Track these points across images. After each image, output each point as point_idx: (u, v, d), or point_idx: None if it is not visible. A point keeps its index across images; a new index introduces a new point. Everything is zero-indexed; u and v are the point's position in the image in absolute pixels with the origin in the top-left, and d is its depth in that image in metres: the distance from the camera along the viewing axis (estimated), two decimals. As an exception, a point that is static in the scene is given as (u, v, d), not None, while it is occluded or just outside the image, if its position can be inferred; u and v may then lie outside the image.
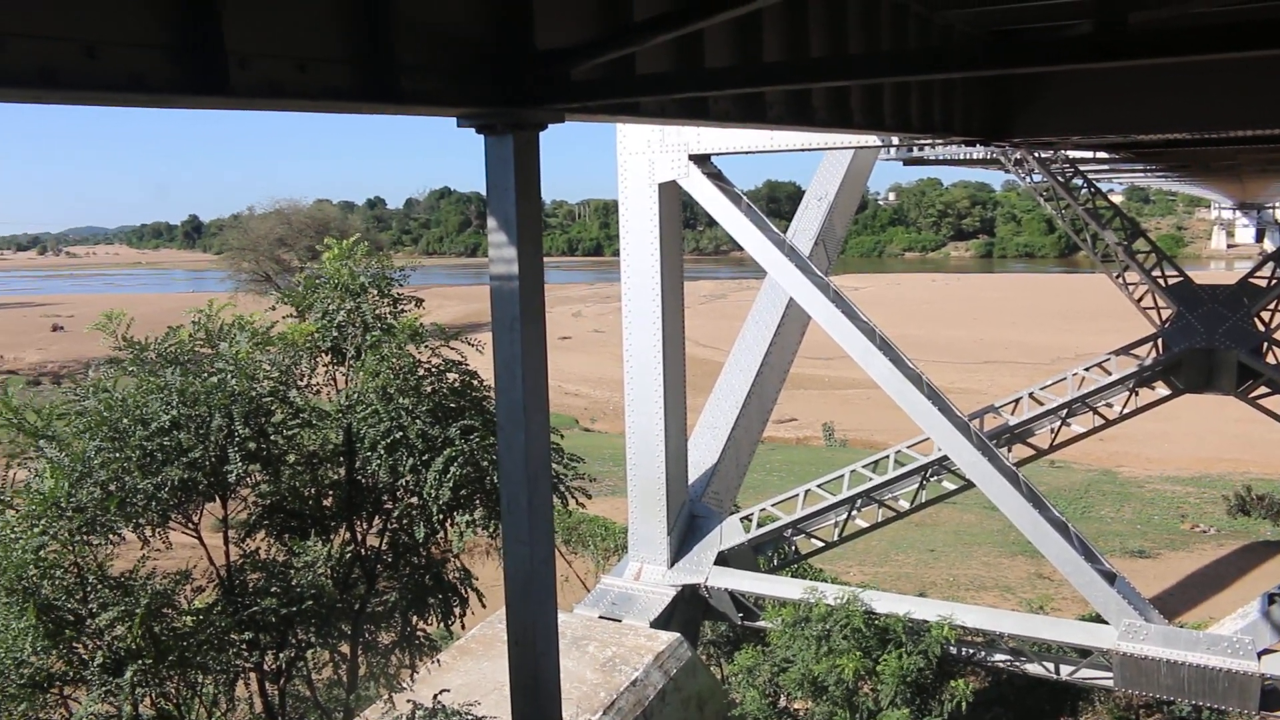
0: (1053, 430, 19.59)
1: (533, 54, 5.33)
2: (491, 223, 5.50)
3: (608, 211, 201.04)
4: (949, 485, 18.70)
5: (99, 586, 8.36)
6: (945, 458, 17.51)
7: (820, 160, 20.18)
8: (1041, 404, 19.52)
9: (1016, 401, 19.78)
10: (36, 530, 7.86)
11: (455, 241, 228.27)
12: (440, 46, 5.01)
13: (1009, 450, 19.16)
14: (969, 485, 17.66)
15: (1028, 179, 23.29)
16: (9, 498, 8.33)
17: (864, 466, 18.96)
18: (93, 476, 8.07)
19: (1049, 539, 15.19)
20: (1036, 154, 21.53)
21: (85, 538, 8.11)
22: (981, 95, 13.35)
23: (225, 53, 3.98)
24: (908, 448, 18.87)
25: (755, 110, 8.06)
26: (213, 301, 9.50)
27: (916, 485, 18.65)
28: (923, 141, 22.79)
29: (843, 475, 18.82)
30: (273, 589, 8.84)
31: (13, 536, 7.85)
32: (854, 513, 18.77)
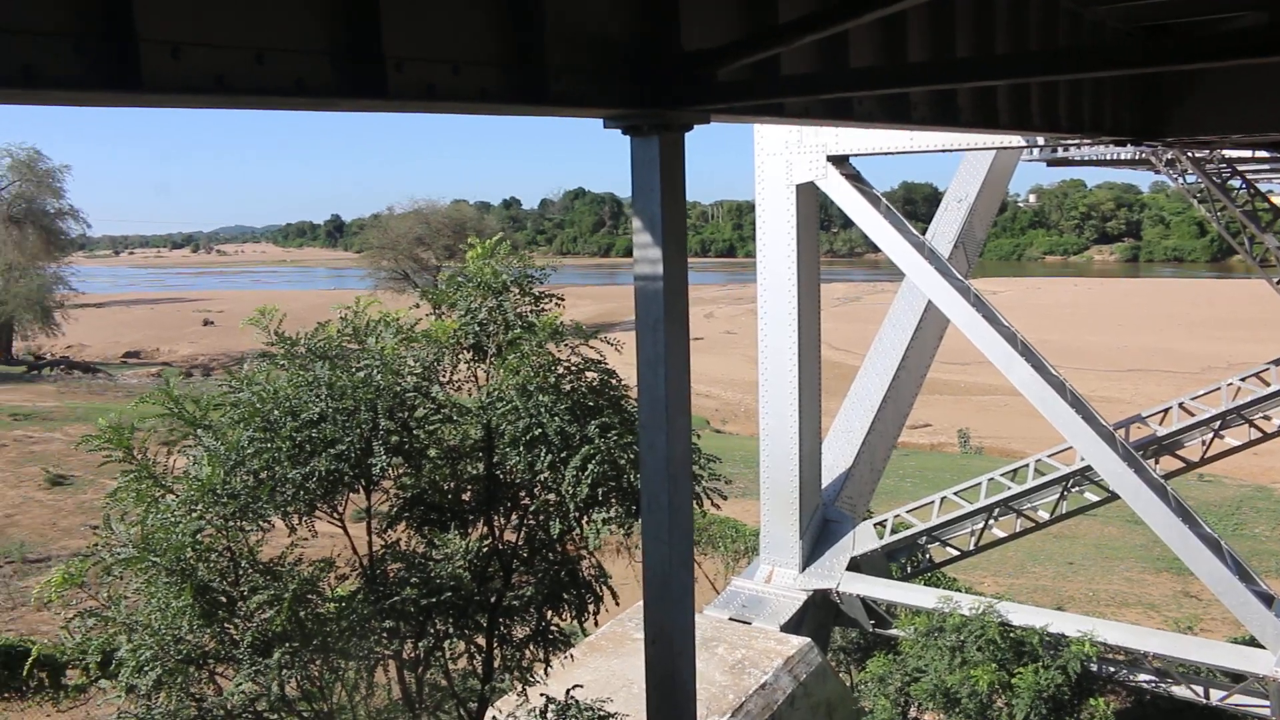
0: (1204, 443, 18.76)
1: (679, 55, 5.35)
2: (636, 224, 5.54)
3: (740, 213, 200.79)
4: (1091, 497, 18.13)
5: (250, 571, 8.71)
6: (1088, 468, 16.97)
7: (960, 161, 19.79)
8: (1192, 415, 18.72)
9: (1165, 411, 19.02)
10: (194, 515, 8.23)
11: (589, 242, 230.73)
12: (588, 48, 5.06)
13: (1156, 462, 18.45)
14: (1113, 497, 17.09)
15: (1180, 180, 22.45)
16: (169, 483, 8.73)
17: (1002, 475, 18.50)
18: (245, 465, 8.40)
19: (1199, 556, 14.57)
20: (1190, 154, 20.70)
21: (238, 524, 8.45)
22: (1133, 92, 12.88)
23: (383, 56, 4.10)
24: (1048, 457, 18.34)
25: (899, 111, 7.94)
26: (360, 298, 9.80)
27: (1057, 496, 18.12)
28: (1069, 142, 22.13)
29: (980, 483, 18.41)
30: (412, 579, 9.06)
31: (173, 520, 8.22)
32: (991, 522, 18.35)
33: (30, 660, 9.92)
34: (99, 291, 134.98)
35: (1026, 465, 18.41)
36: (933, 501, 18.56)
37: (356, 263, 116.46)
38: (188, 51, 3.57)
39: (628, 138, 5.55)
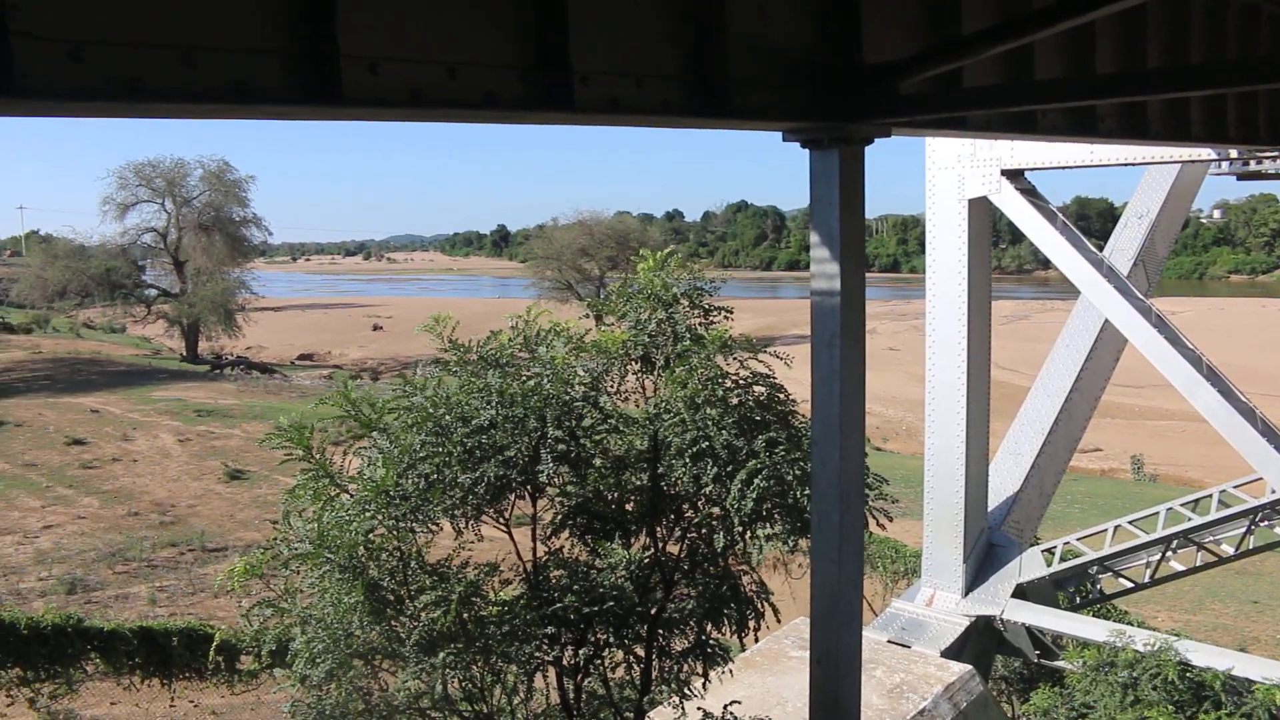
0: None
1: (861, 68, 5.26)
2: (814, 238, 5.47)
3: (905, 227, 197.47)
4: (1283, 532, 17.10)
5: (418, 571, 8.93)
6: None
7: (1142, 175, 18.95)
8: (1399, 447, 17.46)
9: (1368, 444, 17.80)
10: (368, 515, 8.48)
11: (750, 255, 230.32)
12: (769, 61, 5.02)
13: (1357, 498, 17.28)
14: (1309, 533, 16.10)
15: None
16: (344, 483, 9.04)
17: (1183, 505, 17.58)
18: (417, 468, 8.61)
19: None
20: (1406, 167, 19.33)
21: (409, 524, 8.68)
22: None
23: (570, 70, 4.14)
24: (1234, 488, 17.36)
25: (1086, 124, 7.64)
26: (530, 308, 9.97)
27: (1244, 530, 17.12)
28: (1265, 154, 20.95)
29: (1158, 512, 17.54)
30: (574, 587, 9.14)
31: (347, 519, 8.50)
32: (1169, 554, 17.47)
33: (214, 645, 10.39)
34: (277, 296, 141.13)
35: (1210, 496, 17.44)
36: (1106, 530, 17.77)
37: (521, 272, 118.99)
38: (385, 67, 3.68)
39: (806, 151, 5.49)
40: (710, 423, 8.55)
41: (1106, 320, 16.45)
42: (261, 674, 18.23)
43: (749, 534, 8.89)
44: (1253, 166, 24.68)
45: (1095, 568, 17.75)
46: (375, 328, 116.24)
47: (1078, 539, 17.85)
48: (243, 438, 44.22)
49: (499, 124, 4.41)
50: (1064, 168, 15.71)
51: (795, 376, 9.71)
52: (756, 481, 8.33)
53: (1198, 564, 17.64)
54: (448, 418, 8.66)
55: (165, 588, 26.27)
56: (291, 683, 8.83)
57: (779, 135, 5.62)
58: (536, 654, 9.20)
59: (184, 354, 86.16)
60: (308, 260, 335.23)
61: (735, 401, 8.96)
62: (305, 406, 40.68)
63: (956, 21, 5.97)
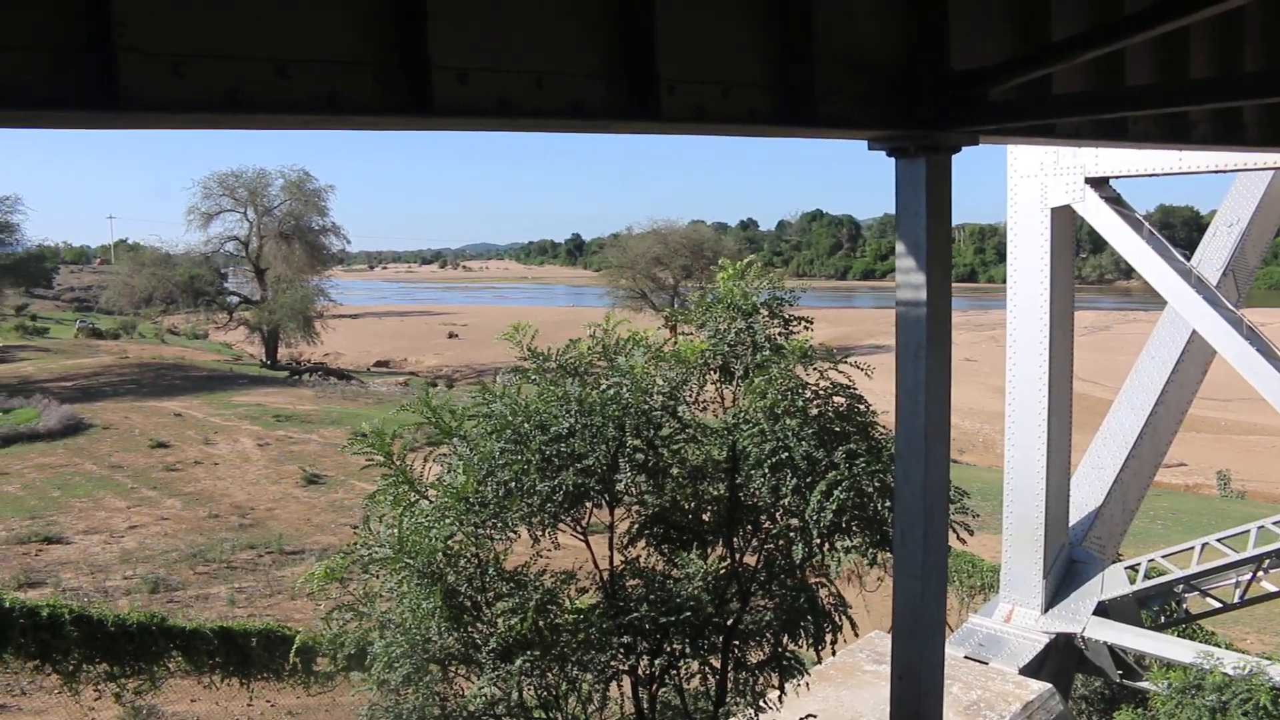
0: None
1: (948, 75, 5.19)
2: (900, 247, 5.40)
3: (983, 236, 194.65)
4: (1383, 553, 16.52)
5: (496, 578, 8.97)
6: (1382, 521, 15.50)
7: (1232, 183, 18.47)
8: None
9: None
10: (447, 521, 8.54)
11: (825, 264, 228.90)
12: (856, 69, 4.98)
13: None
14: None
15: None
16: (424, 489, 9.11)
17: (1275, 523, 17.09)
18: (496, 476, 8.65)
19: None
20: None
21: (487, 531, 8.71)
22: None
23: (657, 79, 4.14)
24: (1330, 505, 16.85)
25: (1178, 130, 7.46)
26: (609, 316, 9.97)
27: (1341, 550, 16.60)
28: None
29: (1248, 530, 17.07)
30: (651, 597, 9.10)
31: (426, 525, 8.56)
32: (1260, 574, 16.97)
33: (295, 647, 10.52)
34: (354, 303, 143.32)
35: (1305, 514, 16.95)
36: (1193, 547, 17.32)
37: (595, 281, 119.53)
38: (474, 77, 3.71)
39: (890, 160, 5.42)
40: (790, 433, 8.47)
41: (1194, 332, 16.07)
42: (337, 676, 18.54)
43: (827, 546, 8.79)
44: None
45: (1181, 586, 17.31)
46: (450, 335, 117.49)
47: (1163, 556, 17.43)
48: (320, 443, 44.92)
49: (586, 133, 4.41)
50: (1150, 175, 15.37)
51: (871, 387, 9.61)
52: (836, 493, 8.24)
53: (1291, 585, 17.13)
54: (526, 426, 8.68)
55: (244, 589, 26.75)
56: (369, 686, 8.91)
57: (862, 144, 5.56)
58: (612, 663, 9.17)
59: (264, 360, 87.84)
60: (385, 268, 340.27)
61: (815, 412, 8.87)
62: (383, 412, 41.21)
63: (1046, 28, 5.86)
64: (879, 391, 10.36)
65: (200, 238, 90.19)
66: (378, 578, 9.14)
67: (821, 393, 8.98)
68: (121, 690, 19.39)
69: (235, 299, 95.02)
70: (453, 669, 9.04)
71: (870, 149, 5.42)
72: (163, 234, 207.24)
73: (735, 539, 9.41)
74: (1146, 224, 15.41)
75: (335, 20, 3.46)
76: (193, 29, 3.17)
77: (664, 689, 9.78)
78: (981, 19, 5.56)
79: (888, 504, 8.31)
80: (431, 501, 8.90)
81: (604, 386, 8.97)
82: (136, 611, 20.56)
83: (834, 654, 10.59)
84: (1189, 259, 16.96)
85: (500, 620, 8.70)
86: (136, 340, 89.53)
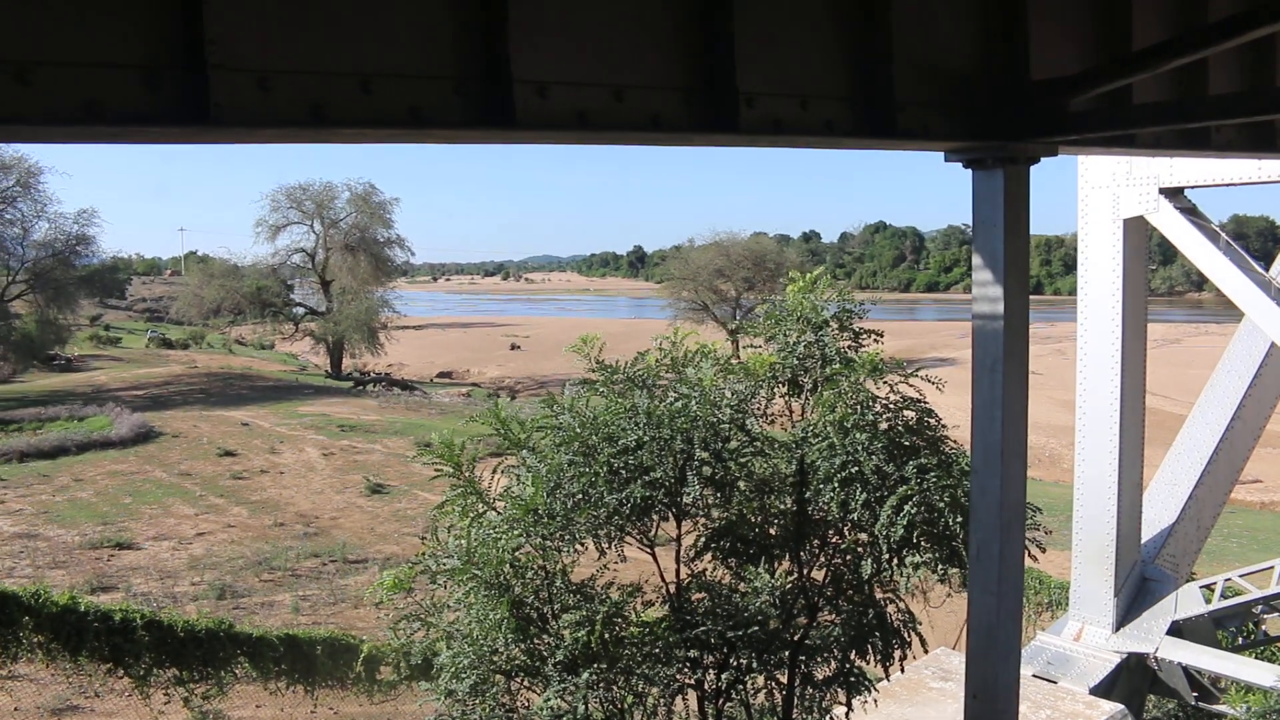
0: None
1: (1027, 85, 5.11)
2: (977, 260, 5.32)
3: (1049, 248, 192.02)
4: None
5: (562, 590, 8.98)
6: None
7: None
8: None
9: None
10: (515, 533, 8.57)
11: (888, 276, 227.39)
12: (933, 80, 4.93)
13: None
14: None
15: None
16: (492, 500, 9.16)
17: (1356, 542, 16.63)
18: (564, 488, 8.66)
19: None
20: None
21: (555, 543, 8.73)
22: None
23: (736, 91, 4.12)
24: None
25: (1264, 138, 7.29)
26: (677, 329, 9.96)
27: None
28: None
29: (1329, 550, 16.64)
30: (717, 610, 9.07)
31: (494, 536, 8.60)
32: (1342, 595, 16.52)
33: (362, 657, 10.62)
34: (418, 315, 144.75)
35: (1387, 533, 16.47)
36: (1272, 567, 16.89)
37: (657, 293, 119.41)
38: (554, 90, 3.72)
39: (968, 172, 5.35)
40: (860, 447, 8.40)
41: (1271, 345, 15.69)
42: (400, 685, 18.68)
43: (896, 561, 8.69)
44: None
45: (1261, 607, 16.88)
46: (513, 347, 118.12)
47: (1240, 575, 17.01)
48: (383, 453, 45.35)
49: (665, 146, 4.41)
50: (1229, 185, 15.03)
51: (940, 400, 9.50)
52: (907, 508, 8.14)
53: (1373, 606, 16.65)
54: (594, 438, 8.69)
55: (308, 596, 27.05)
56: (436, 696, 8.95)
57: (932, 155, 5.51)
58: (678, 676, 9.15)
59: (329, 370, 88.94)
60: (448, 280, 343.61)
61: (884, 426, 8.79)
62: (446, 423, 41.43)
63: (1127, 36, 5.77)
64: (947, 405, 10.25)
65: (268, 250, 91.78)
66: (445, 588, 9.19)
67: (891, 406, 8.90)
68: (190, 695, 19.70)
69: (301, 310, 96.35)
70: (519, 680, 9.06)
71: (947, 160, 5.36)
72: (231, 246, 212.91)
73: (802, 553, 9.34)
74: (1223, 235, 15.08)
75: (417, 35, 3.49)
76: (279, 46, 3.21)
77: (730, 704, 9.73)
78: (1062, 29, 5.48)
79: (959, 519, 8.21)
80: (499, 513, 8.94)
81: (672, 399, 8.96)
82: (204, 617, 20.88)
83: (902, 670, 10.47)
84: (1266, 270, 16.58)
85: (566, 632, 8.70)
86: (205, 350, 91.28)
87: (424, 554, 9.14)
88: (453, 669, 8.71)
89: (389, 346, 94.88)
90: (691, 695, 9.50)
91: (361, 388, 77.06)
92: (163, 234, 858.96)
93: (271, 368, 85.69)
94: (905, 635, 9.25)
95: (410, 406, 64.06)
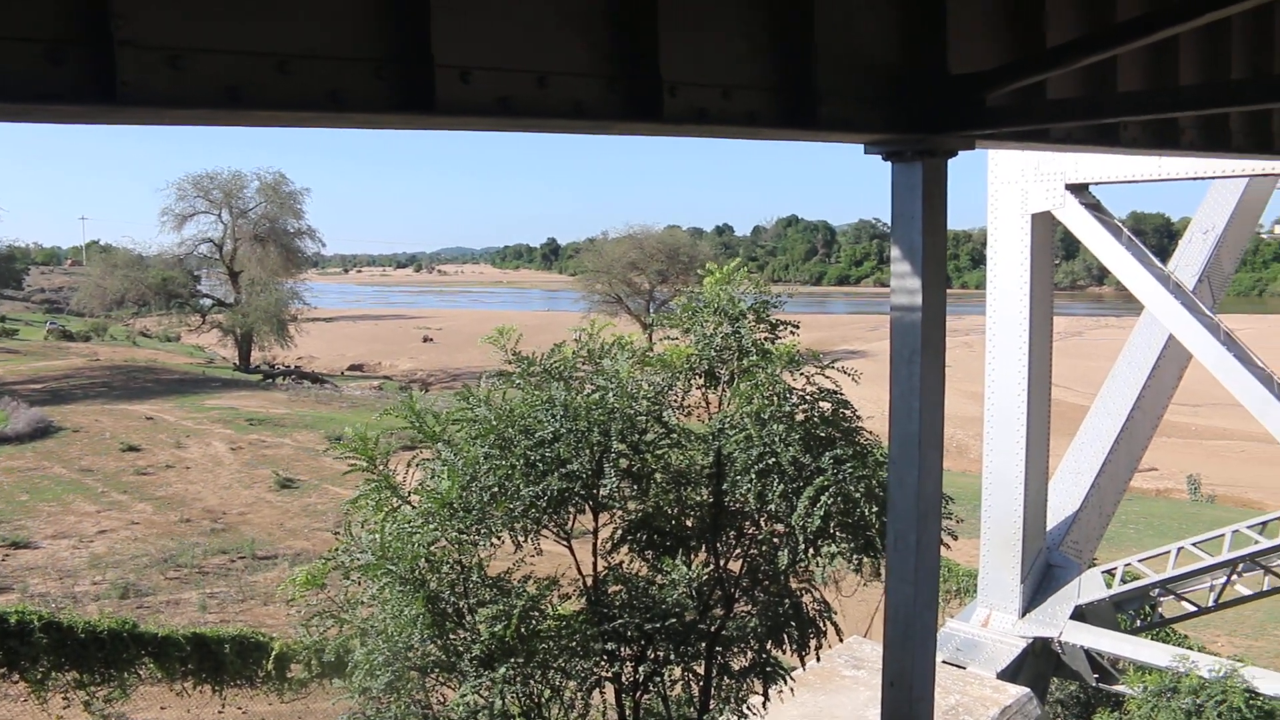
0: None
1: (946, 80, 5.16)
2: (895, 252, 5.36)
3: (957, 242, 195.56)
4: (1356, 557, 16.68)
5: (479, 585, 8.89)
6: (1353, 525, 15.64)
7: (1207, 190, 18.61)
8: None
9: None
10: (430, 527, 8.46)
11: (800, 269, 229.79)
12: (855, 73, 4.94)
13: None
14: (1383, 559, 15.71)
15: None
16: (407, 494, 9.03)
17: (1249, 527, 17.21)
18: (480, 481, 8.57)
19: None
20: None
21: (471, 537, 8.63)
22: None
23: (660, 81, 4.09)
24: (1304, 509, 16.99)
25: (1168, 136, 7.47)
26: (594, 320, 9.91)
27: (1314, 553, 16.74)
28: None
29: (1223, 535, 17.19)
30: (635, 603, 9.06)
31: (409, 530, 8.47)
32: (1235, 577, 17.10)
33: (273, 655, 10.42)
34: (329, 307, 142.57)
35: (1279, 518, 17.09)
36: (1169, 551, 17.43)
37: (571, 286, 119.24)
38: (476, 76, 3.65)
39: (888, 164, 5.39)
40: (776, 438, 8.44)
41: (1170, 337, 16.17)
42: (311, 683, 18.38)
43: (813, 552, 8.76)
44: (1322, 182, 24.26)
45: (1157, 591, 17.42)
46: (425, 339, 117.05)
47: (1139, 561, 17.52)
48: (293, 447, 44.60)
49: (587, 134, 4.36)
50: (1131, 181, 15.43)
51: (855, 392, 9.59)
52: (823, 499, 8.21)
53: (1265, 589, 17.25)
54: (511, 430, 8.62)
55: (215, 594, 26.47)
56: (350, 694, 8.81)
57: (846, 148, 5.54)
58: (595, 670, 9.12)
59: (237, 363, 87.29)
60: (359, 272, 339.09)
61: (801, 417, 8.84)
62: (358, 417, 40.88)
63: (1041, 34, 5.85)
64: (861, 396, 10.35)
65: (174, 240, 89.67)
66: (359, 584, 9.05)
67: (808, 398, 8.96)
68: (91, 698, 19.15)
69: (208, 302, 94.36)
70: (434, 677, 8.95)
71: (867, 152, 5.38)
72: (136, 235, 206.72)
73: (719, 545, 9.37)
74: (1125, 230, 15.49)
75: (338, 16, 3.39)
76: (192, 23, 3.09)
77: (647, 696, 9.72)
78: (980, 24, 5.54)
79: (874, 510, 8.30)
80: (414, 507, 8.81)
81: (589, 391, 8.91)
82: (106, 618, 20.32)
83: (818, 659, 10.57)
84: (1164, 264, 17.07)
85: (483, 627, 8.63)
86: (108, 343, 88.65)
87: (337, 549, 8.99)
88: (367, 666, 8.58)
89: (299, 339, 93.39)
90: (609, 688, 9.47)
91: (270, 381, 75.75)
92: (63, 223, 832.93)
93: (177, 360, 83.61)
94: (821, 625, 9.33)
95: (321, 400, 63.08)
